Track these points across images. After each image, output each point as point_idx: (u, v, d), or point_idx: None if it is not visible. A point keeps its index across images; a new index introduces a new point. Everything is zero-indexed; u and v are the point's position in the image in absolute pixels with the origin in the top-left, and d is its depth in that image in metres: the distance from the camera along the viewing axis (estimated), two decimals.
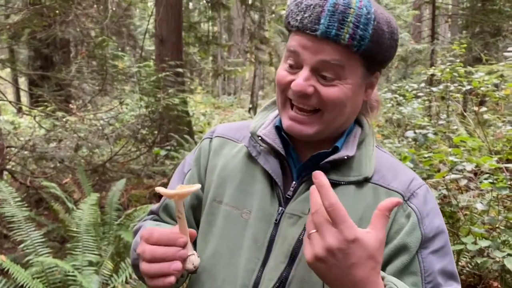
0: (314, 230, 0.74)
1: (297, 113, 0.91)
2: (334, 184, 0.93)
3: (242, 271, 0.95)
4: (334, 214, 0.71)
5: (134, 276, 3.05)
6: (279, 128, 1.00)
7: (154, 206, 1.17)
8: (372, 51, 0.87)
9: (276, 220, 0.95)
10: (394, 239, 0.90)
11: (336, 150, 0.95)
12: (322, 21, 0.84)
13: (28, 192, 5.07)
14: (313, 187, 0.77)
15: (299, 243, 0.92)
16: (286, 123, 0.93)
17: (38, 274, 2.88)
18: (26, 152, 5.32)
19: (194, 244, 1.09)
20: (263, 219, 0.96)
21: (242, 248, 0.97)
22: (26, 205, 3.40)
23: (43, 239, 3.16)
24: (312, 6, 0.86)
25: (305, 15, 0.86)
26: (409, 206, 0.92)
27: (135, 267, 0.97)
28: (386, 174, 0.96)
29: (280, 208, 0.96)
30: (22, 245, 3.10)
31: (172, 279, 0.82)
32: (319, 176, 0.75)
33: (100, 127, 6.19)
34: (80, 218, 3.44)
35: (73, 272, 2.80)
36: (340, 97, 0.89)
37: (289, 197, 0.97)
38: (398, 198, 0.77)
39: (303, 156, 1.00)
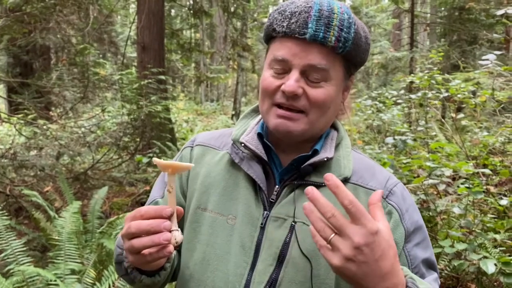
0: (333, 235, 0.73)
1: (285, 111, 0.95)
2: (316, 186, 0.96)
3: (232, 276, 0.97)
4: (354, 210, 0.72)
5: (117, 284, 3.04)
6: (261, 135, 1.03)
7: None
8: (352, 53, 0.94)
9: (261, 224, 0.98)
10: None
11: (315, 153, 1.00)
12: (310, 25, 0.90)
13: (7, 200, 4.99)
14: (307, 203, 0.77)
15: (286, 245, 0.95)
16: (274, 121, 0.96)
17: (19, 284, 2.84)
18: (5, 160, 5.25)
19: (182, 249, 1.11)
20: (249, 223, 0.99)
21: (230, 253, 0.98)
22: (6, 214, 3.35)
23: (24, 248, 3.12)
24: (297, 13, 0.92)
25: (292, 21, 0.91)
26: (389, 203, 0.97)
27: (118, 264, 0.98)
28: (364, 174, 1.01)
29: (265, 212, 0.99)
30: (2, 255, 3.06)
31: (171, 248, 0.83)
32: (331, 178, 0.74)
33: (82, 135, 6.14)
34: (62, 226, 3.41)
35: (55, 280, 2.77)
36: (326, 98, 0.94)
37: (273, 201, 1.00)
38: (381, 190, 0.81)
39: (284, 161, 1.03)
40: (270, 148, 1.03)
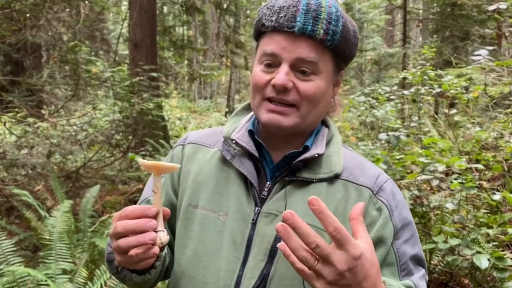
0: (316, 262, 0.71)
1: (276, 105, 0.95)
2: (307, 182, 0.98)
3: (223, 272, 0.97)
4: (339, 236, 0.69)
5: (109, 283, 3.01)
6: (252, 132, 1.03)
7: None
8: (341, 47, 0.95)
9: (253, 220, 0.98)
10: (369, 232, 0.92)
11: (306, 149, 0.99)
12: (298, 18, 0.91)
13: None
14: (280, 225, 0.71)
15: (277, 241, 0.94)
16: (266, 116, 0.96)
17: (9, 284, 2.81)
18: None
19: (171, 250, 1.10)
20: (240, 219, 0.99)
21: (221, 249, 0.98)
22: None
23: (14, 248, 3.09)
24: (286, 7, 0.93)
25: (280, 15, 0.93)
26: (379, 199, 0.97)
27: (110, 263, 0.97)
28: (354, 171, 1.01)
29: (257, 208, 0.99)
30: None
31: (156, 249, 0.82)
32: (316, 202, 0.70)
33: (73, 133, 6.09)
34: (53, 225, 3.38)
35: (46, 281, 2.74)
36: (316, 91, 0.94)
37: (264, 197, 0.99)
38: (362, 203, 0.78)
39: (275, 157, 1.03)
40: (261, 145, 1.02)
